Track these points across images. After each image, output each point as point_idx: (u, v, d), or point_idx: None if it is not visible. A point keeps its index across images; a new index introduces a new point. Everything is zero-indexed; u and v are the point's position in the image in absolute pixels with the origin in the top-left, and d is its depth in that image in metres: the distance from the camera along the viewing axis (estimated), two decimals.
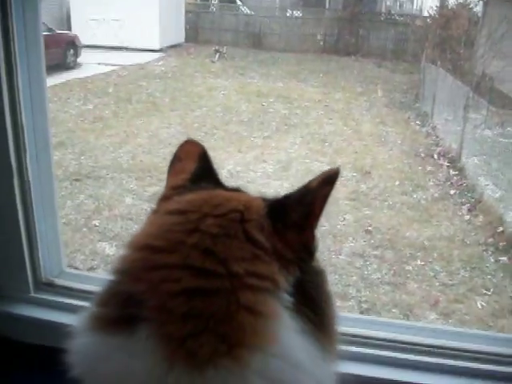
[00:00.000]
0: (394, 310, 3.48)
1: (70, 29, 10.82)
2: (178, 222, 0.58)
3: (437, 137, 6.87)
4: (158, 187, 4.41)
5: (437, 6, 9.83)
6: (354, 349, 1.03)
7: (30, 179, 1.09)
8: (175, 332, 0.51)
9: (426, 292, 3.75)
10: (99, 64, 9.87)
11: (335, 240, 4.27)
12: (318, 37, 11.61)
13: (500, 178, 5.41)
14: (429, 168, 5.90)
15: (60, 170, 5.14)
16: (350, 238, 4.34)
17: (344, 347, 0.64)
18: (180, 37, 12.10)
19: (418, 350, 1.05)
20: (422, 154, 6.28)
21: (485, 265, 4.11)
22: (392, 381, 1.01)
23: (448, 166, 5.94)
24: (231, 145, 6.19)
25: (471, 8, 9.53)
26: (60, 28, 10.08)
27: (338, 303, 0.64)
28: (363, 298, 3.60)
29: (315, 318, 0.57)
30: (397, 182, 5.44)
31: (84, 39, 9.90)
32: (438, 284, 3.85)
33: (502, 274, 3.98)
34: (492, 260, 4.17)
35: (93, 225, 4.33)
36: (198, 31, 12.46)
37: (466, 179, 5.56)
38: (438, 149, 6.42)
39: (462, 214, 4.89)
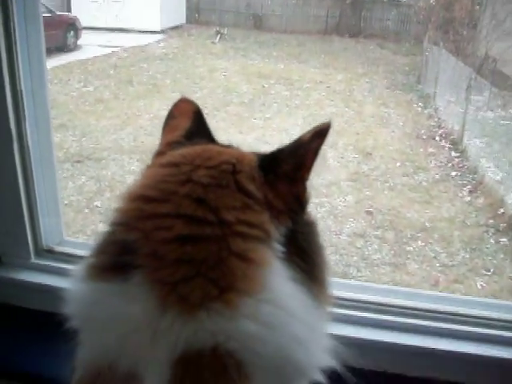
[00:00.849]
0: None
1: (70, 10, 10.73)
2: (171, 173, 0.59)
3: (439, 118, 6.83)
4: None
5: None
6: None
7: (30, 144, 1.09)
8: (167, 277, 0.52)
9: (427, 272, 3.76)
10: (100, 46, 9.80)
11: (336, 220, 4.27)
12: (320, 18, 11.49)
13: (502, 160, 5.39)
14: (430, 150, 5.88)
15: (61, 152, 5.13)
16: (351, 219, 4.34)
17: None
18: (181, 18, 11.98)
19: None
20: (424, 136, 6.25)
21: (485, 246, 4.11)
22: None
23: (450, 147, 5.92)
24: (232, 126, 6.17)
25: None
26: (60, 10, 10.00)
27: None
28: (363, 278, 3.61)
29: (306, 267, 0.58)
30: (398, 164, 5.43)
31: (84, 21, 9.82)
32: (438, 265, 3.86)
33: (502, 255, 3.98)
34: (492, 241, 4.18)
35: (94, 206, 4.33)
36: (199, 12, 12.34)
37: (468, 161, 5.54)
38: (440, 131, 6.39)
39: (463, 196, 4.89)
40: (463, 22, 8.18)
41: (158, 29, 10.92)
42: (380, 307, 1.07)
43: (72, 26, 9.56)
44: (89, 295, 0.56)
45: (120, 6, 10.66)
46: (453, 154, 5.75)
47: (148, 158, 0.70)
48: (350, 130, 6.27)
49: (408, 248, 4.03)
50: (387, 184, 5.00)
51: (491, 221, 4.43)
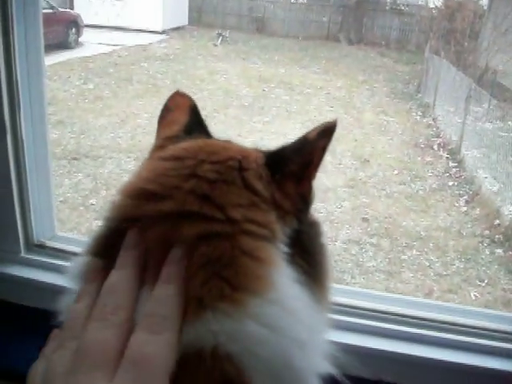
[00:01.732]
0: None
1: (72, 7, 10.74)
2: (174, 167, 0.56)
3: (437, 128, 6.86)
4: None
5: None
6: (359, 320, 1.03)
7: (24, 137, 1.07)
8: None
9: (421, 281, 3.76)
10: (101, 44, 9.80)
11: (332, 226, 4.27)
12: (322, 24, 11.53)
13: (499, 172, 5.40)
14: (428, 159, 5.89)
15: (59, 149, 5.12)
16: (347, 225, 4.34)
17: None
18: (183, 19, 12.01)
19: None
20: (422, 145, 6.27)
21: (480, 256, 4.12)
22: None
23: (447, 157, 5.94)
24: (231, 128, 6.17)
25: (477, 0, 9.47)
26: (62, 6, 10.00)
27: None
28: (358, 285, 3.60)
29: (310, 269, 0.56)
30: (395, 172, 5.44)
31: (86, 18, 9.84)
32: (432, 274, 3.86)
33: (496, 266, 3.99)
34: (487, 252, 4.18)
35: (90, 204, 4.32)
36: (202, 14, 12.37)
37: (465, 171, 5.56)
38: (438, 140, 6.41)
39: (460, 206, 4.89)
40: (465, 33, 8.23)
41: (159, 29, 10.94)
42: (374, 314, 1.06)
43: (74, 23, 9.57)
44: None
45: (123, 5, 10.69)
46: (450, 163, 5.76)
47: (143, 156, 0.68)
48: (348, 136, 6.28)
49: (403, 256, 4.02)
50: (384, 192, 5.00)
51: (487, 231, 4.44)
